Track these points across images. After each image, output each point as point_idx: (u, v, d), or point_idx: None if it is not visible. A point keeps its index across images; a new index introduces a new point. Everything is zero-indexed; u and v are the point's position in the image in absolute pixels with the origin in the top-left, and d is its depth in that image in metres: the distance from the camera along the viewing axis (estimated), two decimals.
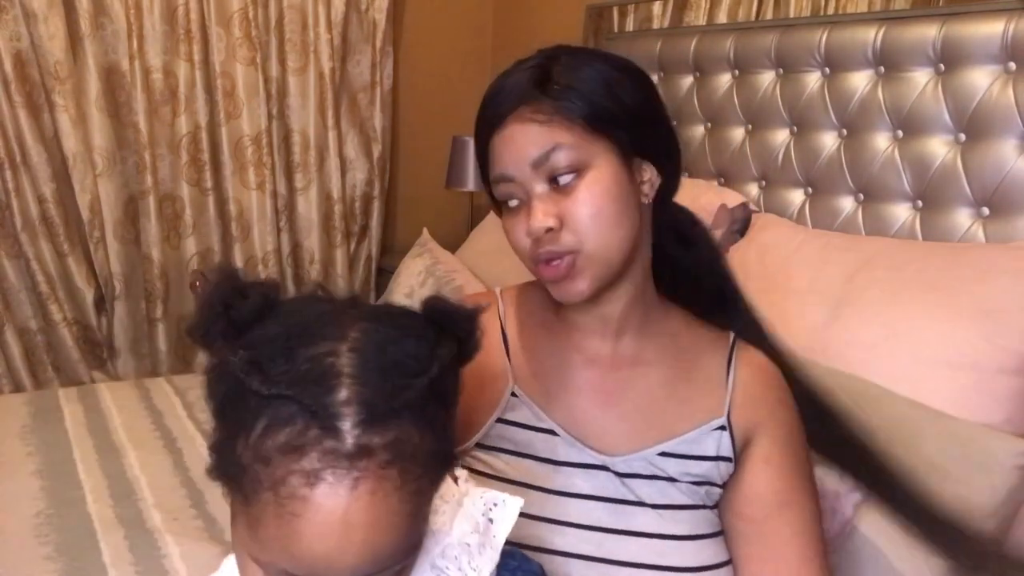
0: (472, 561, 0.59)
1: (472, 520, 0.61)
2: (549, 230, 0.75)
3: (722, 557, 0.80)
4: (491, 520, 0.62)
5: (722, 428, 0.82)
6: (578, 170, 0.75)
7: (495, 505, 0.63)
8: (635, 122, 0.78)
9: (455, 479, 0.64)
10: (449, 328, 0.53)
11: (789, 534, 0.80)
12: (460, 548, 0.59)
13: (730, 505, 0.82)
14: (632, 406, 0.83)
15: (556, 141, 0.74)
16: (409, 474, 0.48)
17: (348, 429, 0.46)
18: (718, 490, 0.82)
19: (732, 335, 0.88)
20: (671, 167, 0.83)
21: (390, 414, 0.47)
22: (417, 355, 0.50)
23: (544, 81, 0.76)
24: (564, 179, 0.75)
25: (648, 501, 0.79)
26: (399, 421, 0.48)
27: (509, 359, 0.86)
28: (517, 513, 0.63)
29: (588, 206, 0.75)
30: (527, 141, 0.75)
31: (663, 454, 0.81)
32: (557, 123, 0.75)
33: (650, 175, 0.80)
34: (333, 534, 0.46)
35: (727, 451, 0.81)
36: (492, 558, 0.61)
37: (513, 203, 0.79)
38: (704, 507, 0.81)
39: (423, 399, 0.49)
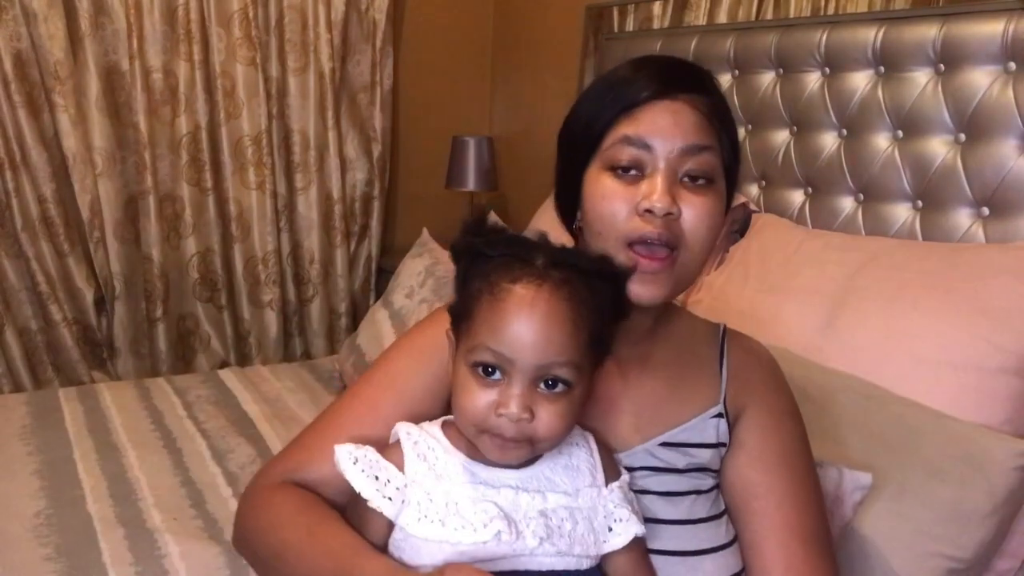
0: (573, 546, 0.69)
1: (596, 517, 0.72)
2: (668, 214, 0.74)
3: (718, 541, 0.80)
4: (610, 528, 0.72)
5: (719, 415, 0.84)
6: (710, 180, 0.76)
7: (618, 520, 0.73)
8: (737, 164, 0.81)
9: (620, 472, 0.77)
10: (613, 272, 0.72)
11: (769, 524, 0.81)
12: (569, 519, 0.70)
13: (721, 488, 0.85)
14: (636, 407, 0.84)
15: (712, 143, 0.76)
16: (575, 299, 0.68)
17: (539, 263, 0.69)
18: (715, 476, 0.84)
19: (722, 325, 0.91)
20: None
21: (565, 264, 0.69)
22: (585, 259, 0.72)
23: (704, 83, 0.78)
24: (697, 180, 0.75)
25: (650, 489, 0.81)
26: (573, 273, 0.69)
27: None
28: (627, 541, 0.72)
29: (706, 216, 0.75)
30: (691, 126, 0.75)
31: (664, 444, 0.82)
32: (715, 129, 0.76)
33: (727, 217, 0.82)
34: (523, 311, 0.67)
35: (724, 437, 0.84)
36: (595, 559, 0.71)
37: (627, 171, 0.76)
38: (700, 492, 0.82)
39: (589, 274, 0.70)
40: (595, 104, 0.79)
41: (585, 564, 0.71)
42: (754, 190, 1.81)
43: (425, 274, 1.97)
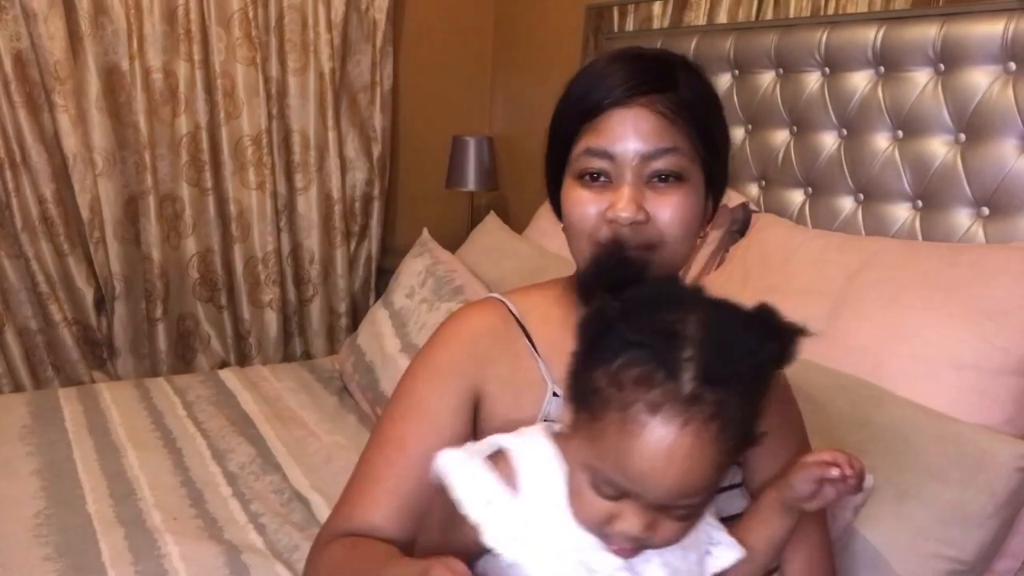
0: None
1: (692, 543, 0.66)
2: (635, 222, 0.74)
3: None
4: (708, 552, 0.68)
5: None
6: (680, 178, 0.75)
7: (716, 544, 0.69)
8: (722, 161, 0.79)
9: None
10: (776, 332, 0.62)
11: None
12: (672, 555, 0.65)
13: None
14: None
15: (675, 144, 0.74)
16: (725, 432, 0.58)
17: (687, 380, 0.57)
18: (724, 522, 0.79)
19: None
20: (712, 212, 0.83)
21: (721, 379, 0.57)
22: (749, 341, 0.60)
23: (671, 80, 0.76)
24: (666, 179, 0.75)
25: None
26: (727, 388, 0.57)
27: (543, 362, 0.82)
28: (731, 562, 0.68)
29: (679, 211, 0.75)
30: (649, 131, 0.74)
31: None
32: (680, 127, 0.75)
33: (710, 215, 0.81)
34: (658, 457, 0.57)
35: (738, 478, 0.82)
36: None
37: (597, 179, 0.77)
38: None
39: (748, 378, 0.59)
40: (561, 115, 0.80)
41: None
42: (754, 190, 1.81)
43: (425, 274, 1.97)
